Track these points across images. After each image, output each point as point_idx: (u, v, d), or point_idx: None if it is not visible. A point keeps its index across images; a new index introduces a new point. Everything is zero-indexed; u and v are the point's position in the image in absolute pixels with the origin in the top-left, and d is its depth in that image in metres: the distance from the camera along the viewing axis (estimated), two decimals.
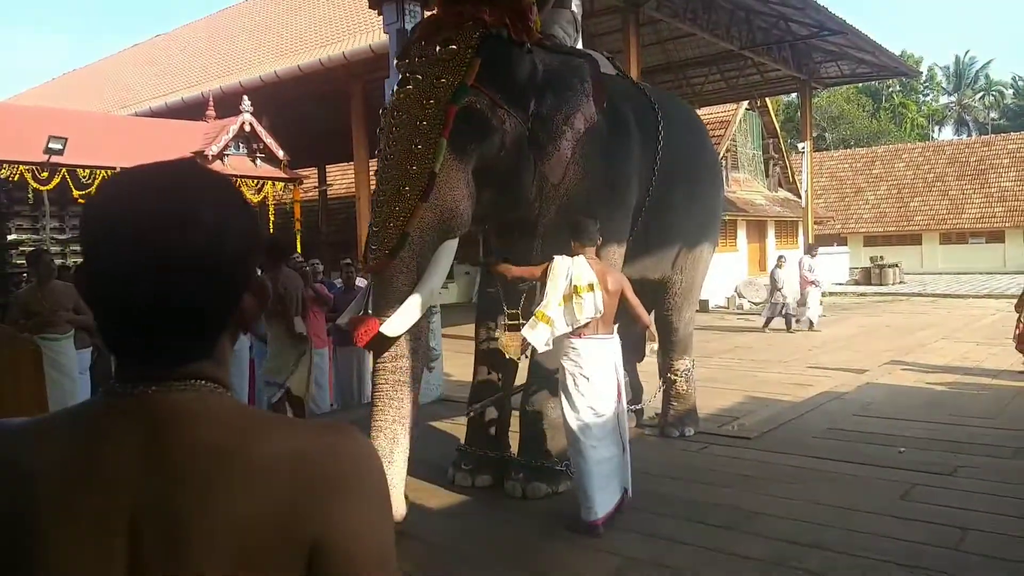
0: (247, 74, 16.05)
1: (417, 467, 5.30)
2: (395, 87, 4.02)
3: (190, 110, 16.36)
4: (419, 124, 3.81)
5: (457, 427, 6.41)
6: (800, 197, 22.32)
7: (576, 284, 4.20)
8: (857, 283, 25.09)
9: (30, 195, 11.96)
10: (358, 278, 8.17)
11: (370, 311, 3.98)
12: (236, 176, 14.55)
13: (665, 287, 6.01)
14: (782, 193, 24.50)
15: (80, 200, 12.77)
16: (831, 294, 21.15)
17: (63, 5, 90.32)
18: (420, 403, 7.17)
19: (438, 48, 3.95)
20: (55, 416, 0.85)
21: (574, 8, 5.46)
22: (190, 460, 0.76)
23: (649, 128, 5.12)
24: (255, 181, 14.78)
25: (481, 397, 5.13)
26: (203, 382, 0.81)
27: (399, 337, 3.76)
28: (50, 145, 11.57)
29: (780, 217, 23.08)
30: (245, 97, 14.78)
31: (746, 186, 22.42)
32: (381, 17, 8.25)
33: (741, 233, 21.59)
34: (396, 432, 3.76)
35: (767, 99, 22.89)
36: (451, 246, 4.02)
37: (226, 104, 15.36)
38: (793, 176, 24.50)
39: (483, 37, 3.96)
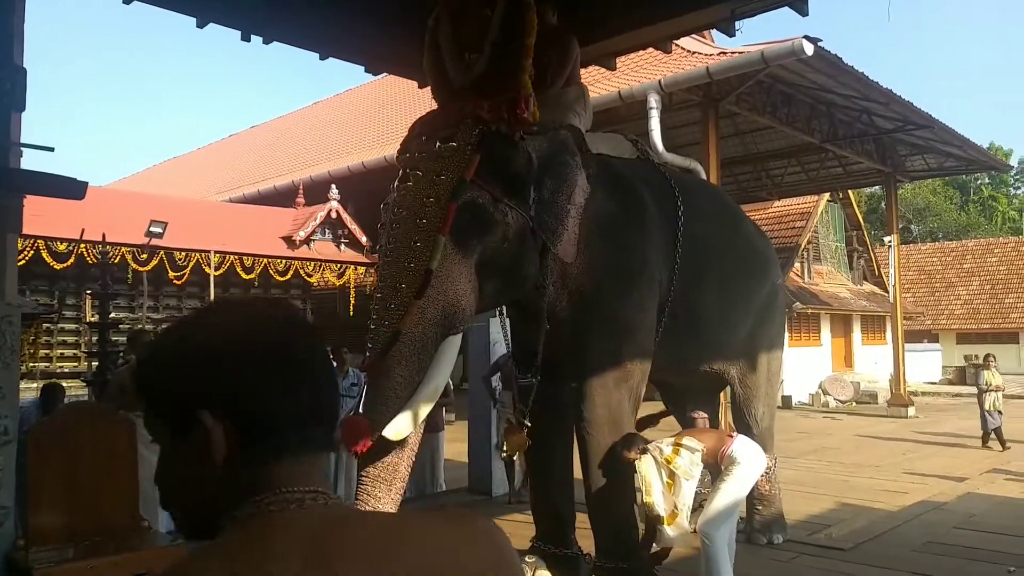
0: (335, 164, 16.84)
1: None
2: (395, 183, 4.03)
3: (281, 197, 17.20)
4: (419, 221, 3.79)
5: (527, 521, 6.24)
6: (887, 291, 21.61)
7: (666, 459, 4.38)
8: (951, 382, 23.81)
9: (129, 275, 12.64)
10: None
11: (360, 410, 3.82)
12: (321, 260, 15.12)
13: (728, 381, 5.80)
14: (867, 286, 23.76)
15: (175, 281, 13.45)
16: (922, 394, 20.09)
17: (165, 98, 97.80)
18: (496, 496, 7.18)
19: (438, 144, 3.96)
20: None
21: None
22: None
23: (669, 214, 4.89)
24: (338, 265, 15.30)
25: (541, 504, 5.04)
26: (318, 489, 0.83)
27: (399, 440, 3.65)
28: (151, 228, 12.27)
29: (866, 311, 22.32)
30: (333, 186, 15.49)
31: (829, 279, 21.85)
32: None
33: (825, 327, 20.93)
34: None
35: (850, 190, 22.54)
36: (454, 342, 3.94)
37: (315, 191, 16.11)
38: (879, 269, 23.77)
39: (482, 133, 3.95)
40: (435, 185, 3.83)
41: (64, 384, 7.26)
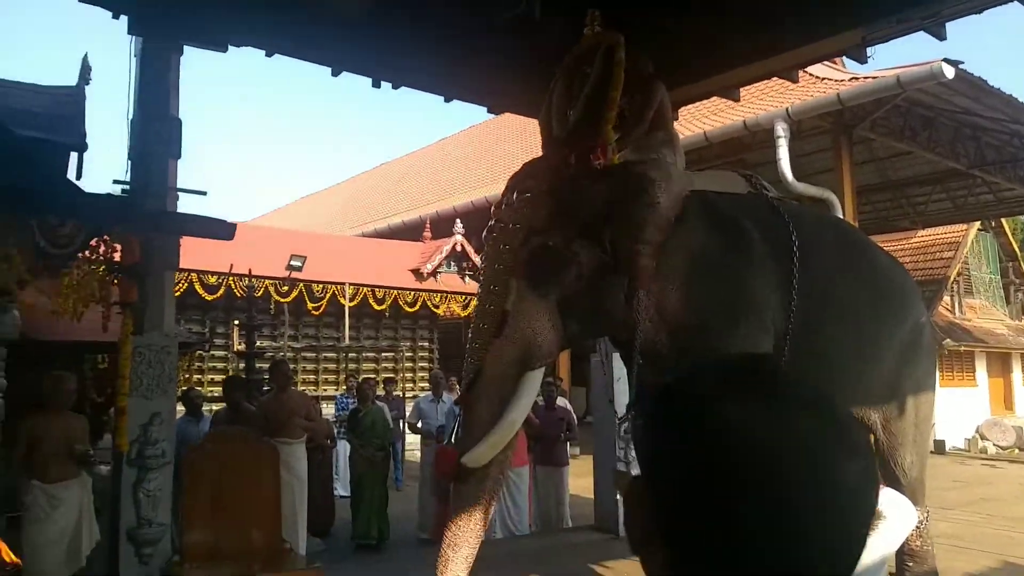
0: (460, 199, 17.34)
1: None
2: (483, 235, 4.39)
3: (409, 231, 17.90)
4: (496, 267, 4.14)
5: None
6: None
7: None
8: None
9: (272, 306, 13.47)
10: (558, 398, 8.25)
11: (454, 440, 4.33)
12: (446, 292, 15.58)
13: (869, 428, 5.41)
14: None
15: (313, 312, 14.21)
16: None
17: (300, 140, 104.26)
18: (622, 534, 7.04)
19: (515, 196, 4.26)
20: None
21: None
22: None
23: (781, 248, 4.65)
24: (463, 297, 15.70)
25: None
26: None
27: (479, 469, 3.96)
28: (291, 262, 13.06)
29: None
30: (458, 220, 15.96)
31: (983, 313, 20.22)
32: None
33: (980, 366, 19.33)
34: (448, 557, 3.97)
35: (1003, 219, 20.87)
36: (534, 377, 4.16)
37: (440, 225, 16.67)
38: None
39: (555, 180, 4.25)
40: (510, 233, 4.17)
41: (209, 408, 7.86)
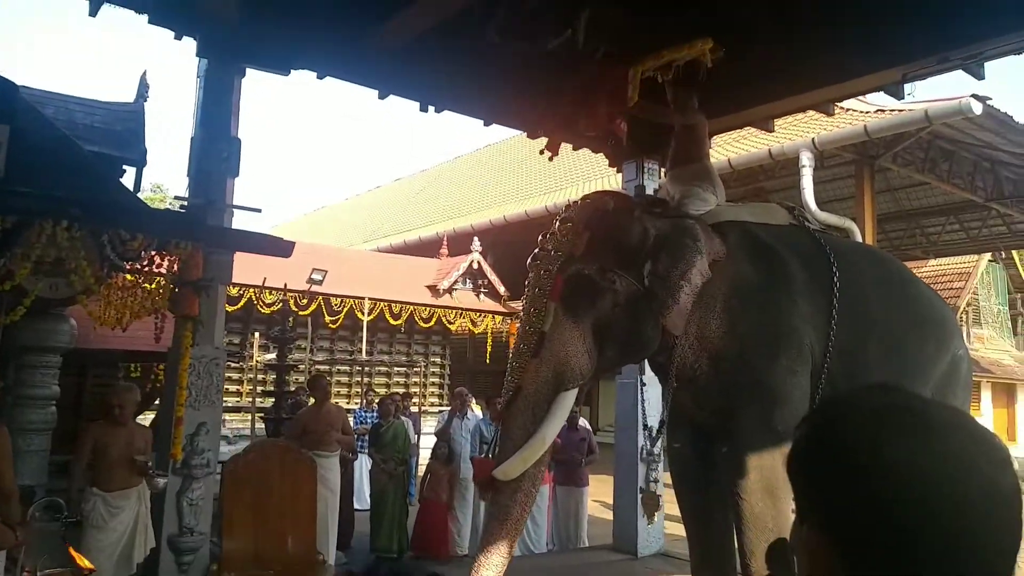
0: (478, 217, 17.49)
1: None
2: (528, 262, 4.60)
3: (425, 247, 18.04)
4: (536, 292, 4.33)
5: None
6: None
7: None
8: None
9: (292, 319, 13.59)
10: (580, 419, 8.33)
11: (491, 455, 4.50)
12: (461, 309, 15.69)
13: None
14: None
15: (331, 325, 14.33)
16: None
17: (317, 154, 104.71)
18: (641, 555, 7.13)
19: (558, 225, 4.48)
20: None
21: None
22: None
23: (822, 279, 4.79)
24: (478, 314, 15.80)
25: (701, 568, 4.95)
26: None
27: (512, 481, 4.12)
28: (312, 276, 13.16)
29: None
30: (476, 238, 16.10)
31: (991, 344, 20.29)
32: (610, 167, 8.82)
33: (986, 396, 19.39)
34: (481, 564, 4.09)
35: (1013, 251, 20.98)
36: (567, 397, 4.29)
37: (457, 242, 16.81)
38: None
39: (592, 213, 4.45)
40: (551, 260, 4.37)
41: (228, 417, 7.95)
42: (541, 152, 5.50)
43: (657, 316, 4.46)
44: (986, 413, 19.36)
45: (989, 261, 20.40)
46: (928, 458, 0.72)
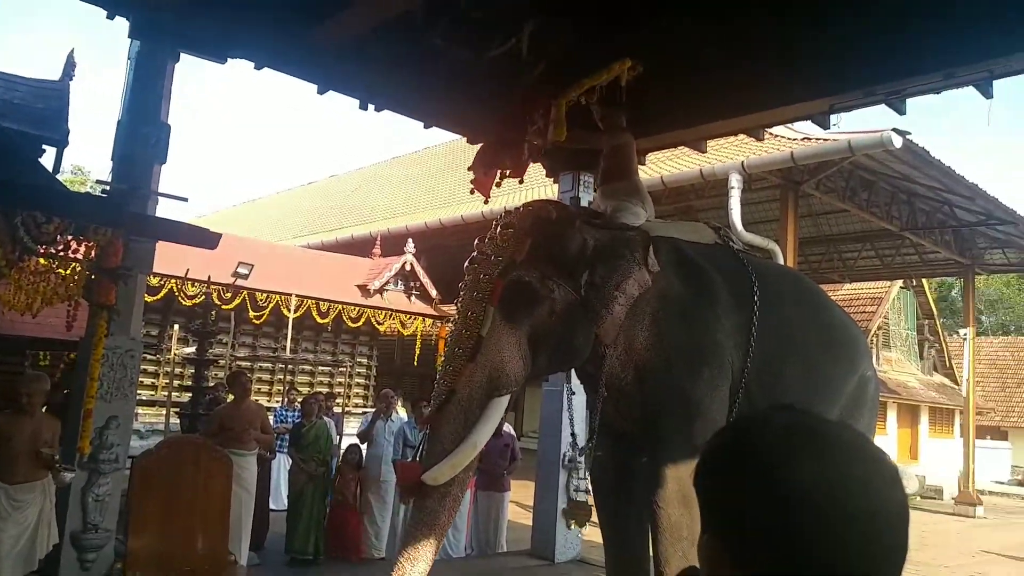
0: (413, 219, 17.38)
1: None
2: (466, 265, 4.61)
3: (358, 246, 17.80)
4: (475, 295, 4.36)
5: None
6: (957, 383, 20.94)
7: None
8: (1021, 483, 22.71)
9: (213, 313, 13.19)
10: (504, 425, 8.36)
11: (419, 457, 4.49)
12: (392, 310, 15.54)
13: None
14: (937, 377, 23.05)
15: (254, 321, 13.98)
16: (990, 493, 19.24)
17: (245, 143, 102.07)
18: (558, 561, 7.20)
19: (498, 230, 4.53)
20: None
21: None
22: None
23: (743, 297, 4.97)
24: (408, 316, 15.68)
25: (617, 571, 5.06)
26: None
27: (441, 486, 4.15)
28: (239, 269, 12.83)
29: (935, 403, 21.62)
30: (410, 240, 15.99)
31: (898, 367, 21.31)
32: (547, 177, 8.94)
33: (891, 416, 20.33)
34: (405, 571, 4.13)
35: (924, 279, 22.11)
36: (500, 403, 4.35)
37: (391, 244, 16.65)
38: (949, 360, 23.09)
39: (536, 219, 4.52)
40: (491, 265, 4.40)
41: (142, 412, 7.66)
42: (472, 192, 5.48)
43: (590, 325, 4.55)
44: (891, 432, 20.30)
45: (900, 288, 21.45)
46: (828, 473, 0.79)
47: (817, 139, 10.26)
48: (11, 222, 3.88)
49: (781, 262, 10.41)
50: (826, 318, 5.74)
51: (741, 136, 10.37)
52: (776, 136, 10.82)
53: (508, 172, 5.32)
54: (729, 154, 11.05)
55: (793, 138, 10.74)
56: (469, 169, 5.32)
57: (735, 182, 10.32)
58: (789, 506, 0.77)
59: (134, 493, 5.15)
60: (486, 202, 5.52)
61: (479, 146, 5.45)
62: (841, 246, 17.32)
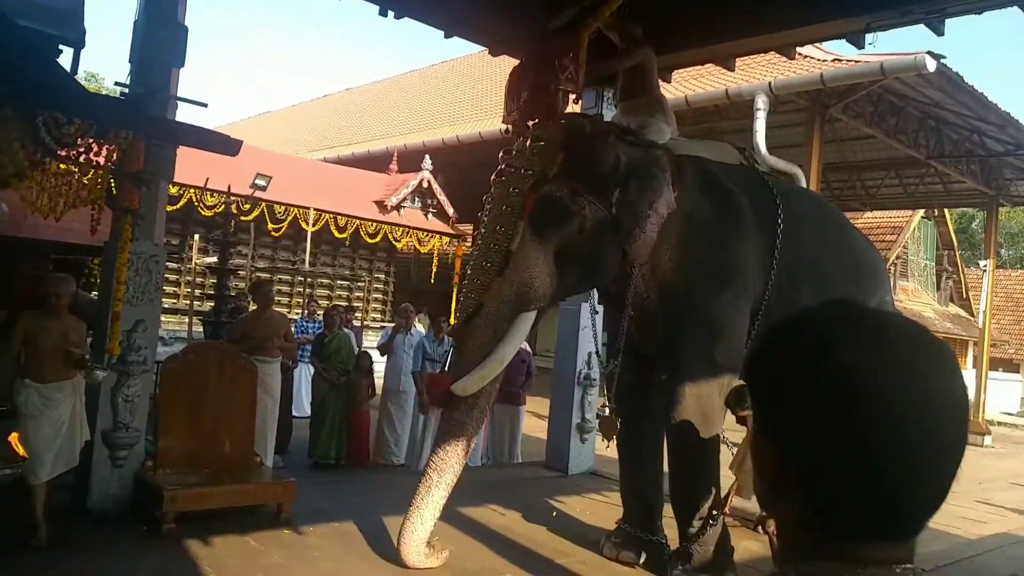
0: (430, 134, 17.15)
1: (572, 536, 5.43)
2: (493, 178, 4.52)
3: (374, 161, 17.66)
4: (503, 209, 4.33)
5: (604, 502, 6.45)
6: (972, 315, 20.90)
7: None
8: None
9: (232, 224, 13.25)
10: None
11: (447, 369, 4.63)
12: (409, 227, 15.55)
13: None
14: (953, 308, 23.00)
15: (273, 233, 14.04)
16: (999, 424, 19.45)
17: (263, 55, 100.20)
18: (571, 473, 7.41)
19: (529, 143, 4.45)
20: None
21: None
22: None
23: (767, 219, 4.96)
24: (425, 234, 15.70)
25: (631, 487, 5.19)
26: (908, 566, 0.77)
27: (468, 397, 4.29)
28: (256, 181, 12.80)
29: (949, 334, 21.61)
30: (427, 156, 15.83)
31: (914, 297, 21.24)
32: (574, 99, 8.72)
33: None
34: (432, 480, 4.32)
35: (946, 209, 21.77)
36: (527, 318, 4.38)
37: (408, 159, 16.50)
38: (966, 291, 22.98)
39: (569, 134, 4.43)
40: (521, 179, 4.35)
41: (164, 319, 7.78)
42: (505, 132, 5.25)
43: (621, 244, 4.51)
44: None
45: (922, 218, 21.16)
46: (882, 359, 0.74)
47: (848, 61, 9.93)
48: (33, 122, 3.86)
49: (804, 186, 10.26)
50: (847, 243, 5.73)
51: (767, 57, 10.07)
52: (805, 57, 10.47)
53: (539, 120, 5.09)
54: (756, 74, 10.73)
55: (823, 59, 10.39)
56: (505, 122, 5.16)
57: (761, 103, 10.06)
58: (839, 393, 0.73)
59: (162, 395, 5.30)
60: (504, 123, 5.36)
61: (507, 94, 5.24)
62: (864, 173, 16.98)
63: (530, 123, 4.90)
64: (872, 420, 0.73)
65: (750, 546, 5.53)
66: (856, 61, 9.69)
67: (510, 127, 5.16)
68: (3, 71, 3.91)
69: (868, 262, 5.84)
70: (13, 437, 3.78)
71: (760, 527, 5.41)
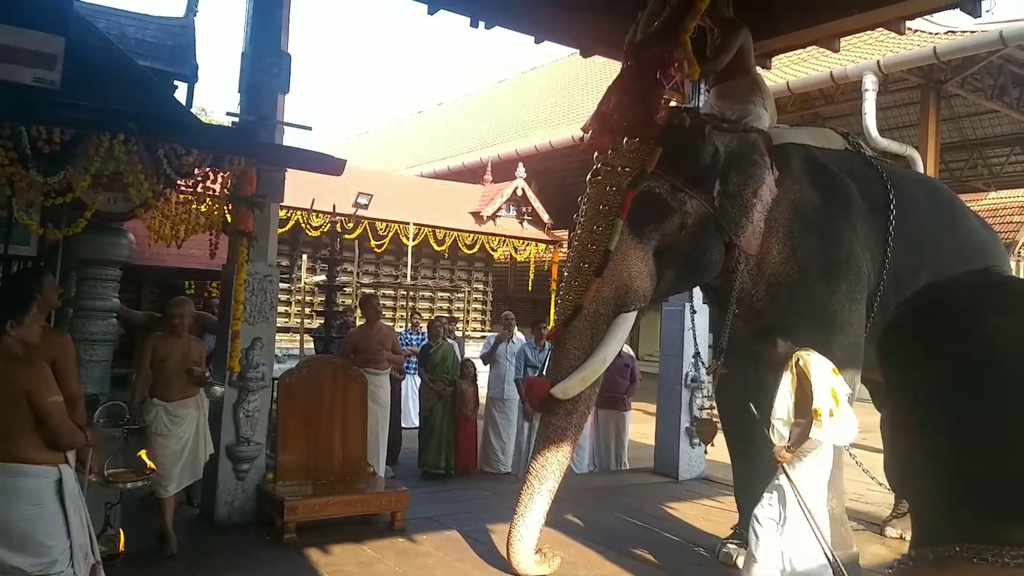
0: (523, 142, 17.24)
1: (686, 543, 5.28)
2: (588, 177, 4.40)
3: (469, 173, 17.92)
4: (601, 208, 4.20)
5: (717, 507, 6.26)
6: None
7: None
8: None
9: (338, 242, 13.72)
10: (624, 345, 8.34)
11: (544, 374, 4.47)
12: (505, 236, 15.66)
13: None
14: None
15: (376, 249, 14.45)
16: None
17: (355, 75, 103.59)
18: (682, 479, 7.22)
19: (625, 141, 4.30)
20: None
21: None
22: None
23: (878, 206, 4.70)
24: (521, 242, 15.77)
25: (745, 491, 4.95)
26: None
27: (567, 400, 4.16)
28: (359, 200, 13.19)
29: None
30: (521, 164, 15.91)
31: None
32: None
33: None
34: (534, 488, 4.23)
35: None
36: (627, 319, 4.26)
37: (501, 168, 16.64)
38: None
39: (666, 129, 4.26)
40: (618, 176, 4.24)
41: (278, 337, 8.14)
42: (581, 140, 5.06)
43: (726, 238, 4.39)
44: None
45: None
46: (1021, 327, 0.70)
47: (963, 32, 9.30)
48: (154, 155, 4.10)
49: (920, 169, 9.69)
50: (961, 224, 5.44)
51: (873, 34, 9.57)
52: (915, 31, 9.88)
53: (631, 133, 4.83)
54: (863, 53, 10.21)
55: (935, 32, 9.78)
56: (583, 130, 4.91)
57: (869, 84, 9.56)
58: (989, 361, 0.69)
59: (280, 409, 5.50)
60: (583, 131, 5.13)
61: (599, 107, 5.04)
62: (987, 151, 15.92)
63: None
64: (1009, 392, 0.68)
65: (877, 550, 5.25)
66: (972, 32, 9.07)
67: (584, 136, 4.99)
68: (128, 107, 4.19)
69: (983, 242, 5.50)
70: (142, 453, 4.01)
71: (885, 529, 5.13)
